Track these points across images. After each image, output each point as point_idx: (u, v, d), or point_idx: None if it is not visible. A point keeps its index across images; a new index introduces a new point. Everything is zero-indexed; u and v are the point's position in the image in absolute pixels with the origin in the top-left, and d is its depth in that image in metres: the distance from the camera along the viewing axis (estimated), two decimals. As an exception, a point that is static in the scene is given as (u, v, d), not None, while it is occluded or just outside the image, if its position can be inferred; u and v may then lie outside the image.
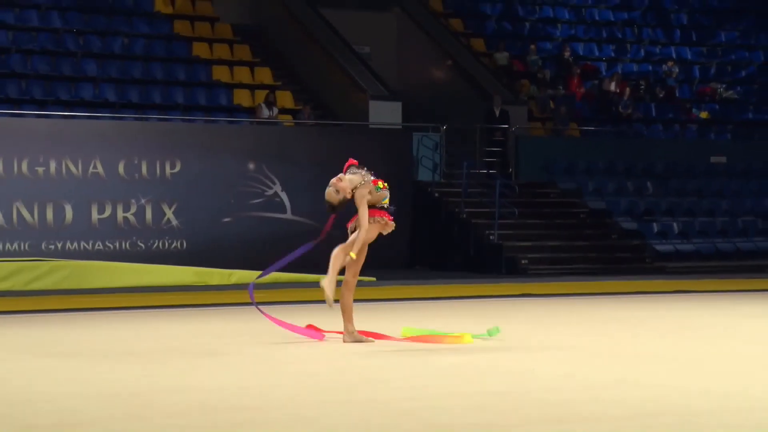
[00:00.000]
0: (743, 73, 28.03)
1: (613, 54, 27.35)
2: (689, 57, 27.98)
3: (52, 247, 18.66)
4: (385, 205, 9.59)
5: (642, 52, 27.71)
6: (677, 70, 27.02)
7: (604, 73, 26.39)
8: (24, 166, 18.65)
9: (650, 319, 12.50)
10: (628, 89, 25.43)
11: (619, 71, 26.31)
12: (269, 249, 19.63)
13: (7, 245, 18.44)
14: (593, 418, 6.37)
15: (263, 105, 21.80)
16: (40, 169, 18.75)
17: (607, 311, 13.63)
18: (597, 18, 28.30)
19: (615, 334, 10.95)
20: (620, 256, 21.62)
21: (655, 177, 23.77)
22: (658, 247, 21.94)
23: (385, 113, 22.65)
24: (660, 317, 12.87)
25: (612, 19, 28.35)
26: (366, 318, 12.44)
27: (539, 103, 25.22)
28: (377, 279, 17.27)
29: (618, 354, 9.18)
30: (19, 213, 18.60)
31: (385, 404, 6.86)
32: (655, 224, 22.52)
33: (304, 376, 7.99)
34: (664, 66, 26.94)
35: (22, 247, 18.48)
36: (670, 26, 28.64)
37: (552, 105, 24.95)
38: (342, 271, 9.54)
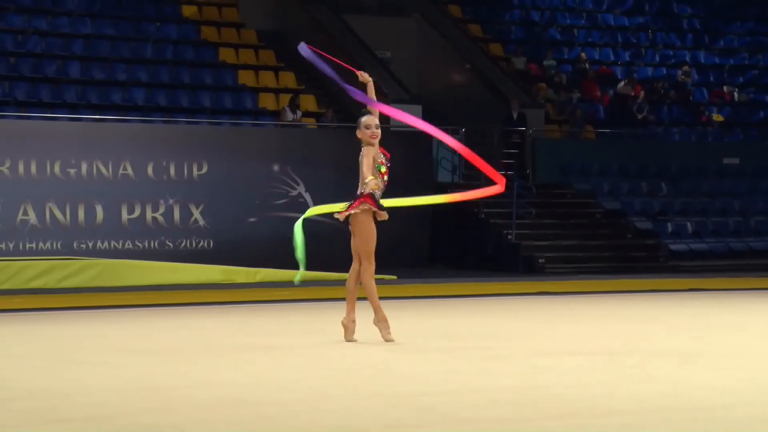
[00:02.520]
0: (754, 73, 28.32)
1: (628, 58, 27.70)
2: (702, 60, 28.29)
3: (84, 246, 18.87)
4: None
5: (657, 57, 28.03)
6: (692, 73, 27.37)
7: (619, 77, 26.73)
8: (56, 168, 18.89)
9: (664, 317, 12.50)
10: (642, 92, 25.76)
11: (635, 75, 26.63)
12: (293, 248, 19.99)
13: (40, 244, 18.66)
14: (609, 413, 6.39)
15: (287, 108, 22.01)
16: (72, 171, 18.99)
17: (622, 309, 13.60)
18: (612, 23, 28.63)
19: (630, 330, 10.87)
20: (635, 255, 21.86)
21: (669, 178, 23.92)
22: (672, 247, 22.08)
23: (406, 116, 22.93)
24: (674, 315, 12.89)
25: (627, 24, 28.69)
26: (387, 315, 12.72)
27: (557, 106, 25.57)
28: (398, 277, 17.62)
29: (633, 350, 9.18)
30: (51, 213, 18.83)
31: (405, 398, 6.85)
32: (669, 224, 22.63)
33: (325, 371, 8.06)
34: (679, 71, 27.26)
35: (55, 246, 18.70)
36: (682, 30, 28.94)
37: (569, 108, 25.33)
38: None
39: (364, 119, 9.65)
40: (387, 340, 9.48)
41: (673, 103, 26.53)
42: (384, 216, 9.53)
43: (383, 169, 9.60)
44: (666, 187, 23.74)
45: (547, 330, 11.03)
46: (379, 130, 9.64)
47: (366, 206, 9.42)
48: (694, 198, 23.64)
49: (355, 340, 9.57)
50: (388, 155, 9.69)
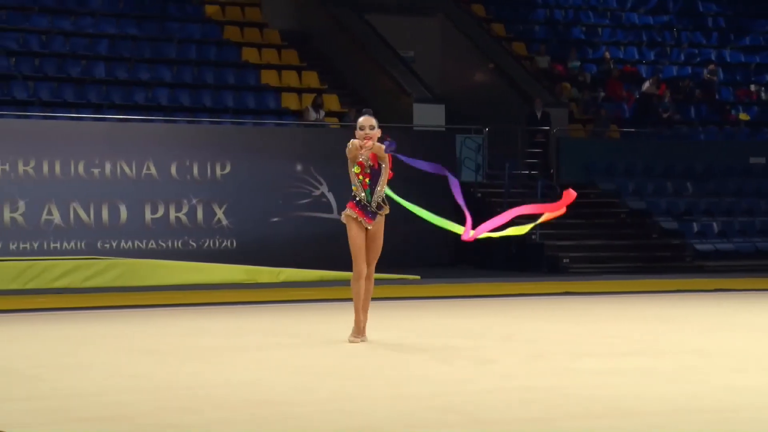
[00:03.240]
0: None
1: (653, 57, 27.62)
2: (728, 58, 28.18)
3: (107, 245, 18.98)
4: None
5: (682, 56, 27.95)
6: (718, 72, 27.26)
7: (644, 76, 26.66)
8: (80, 168, 19.01)
9: (690, 317, 12.48)
10: (668, 92, 25.67)
11: (660, 75, 26.54)
12: (316, 248, 20.02)
13: (64, 244, 18.78)
14: (635, 414, 6.40)
15: (310, 108, 22.09)
16: (96, 171, 19.09)
17: (647, 309, 13.55)
18: (636, 22, 28.55)
19: (655, 331, 10.87)
20: (660, 255, 21.80)
21: (695, 177, 23.86)
22: (698, 247, 22.01)
23: (429, 116, 22.93)
24: (700, 315, 12.87)
25: (651, 23, 28.61)
26: (410, 315, 12.68)
27: (581, 105, 25.51)
28: (422, 277, 17.56)
29: (658, 351, 9.21)
30: (75, 213, 18.94)
31: (429, 399, 6.88)
32: (694, 224, 22.57)
33: (348, 372, 8.10)
34: (705, 69, 27.17)
35: (79, 246, 18.81)
36: (708, 28, 28.85)
37: (593, 107, 25.28)
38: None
39: (360, 120, 9.64)
40: (350, 341, 9.52)
41: (699, 102, 26.43)
42: (368, 225, 9.50)
43: (356, 170, 9.54)
44: (692, 187, 23.67)
45: (571, 330, 11.03)
46: (374, 131, 9.52)
47: (348, 212, 9.49)
48: (720, 198, 23.57)
49: (365, 340, 9.60)
50: (390, 156, 9.54)
